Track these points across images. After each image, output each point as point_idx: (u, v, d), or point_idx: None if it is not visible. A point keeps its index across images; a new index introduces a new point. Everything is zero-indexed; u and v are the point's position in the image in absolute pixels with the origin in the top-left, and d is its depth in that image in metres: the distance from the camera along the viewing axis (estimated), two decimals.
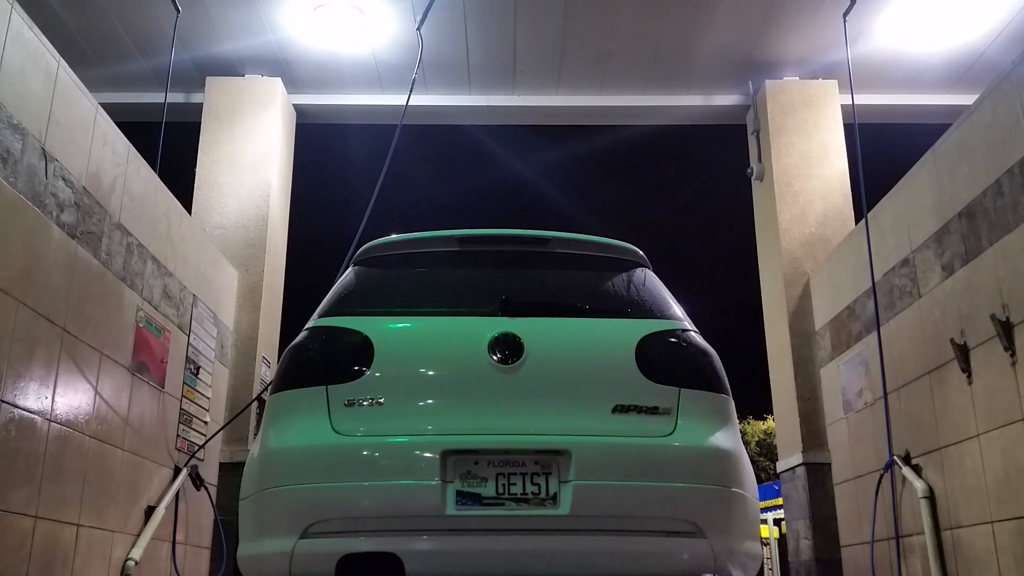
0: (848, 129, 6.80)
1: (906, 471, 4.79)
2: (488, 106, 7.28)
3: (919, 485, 4.62)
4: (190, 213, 6.07)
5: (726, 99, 7.29)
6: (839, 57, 6.49)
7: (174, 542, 4.98)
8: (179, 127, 6.86)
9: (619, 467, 2.70)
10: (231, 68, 6.85)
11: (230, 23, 6.34)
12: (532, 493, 2.65)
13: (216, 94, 6.88)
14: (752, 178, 7.13)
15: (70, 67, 3.93)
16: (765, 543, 19.53)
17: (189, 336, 5.26)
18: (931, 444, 4.63)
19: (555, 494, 2.64)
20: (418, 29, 6.17)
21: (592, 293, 3.28)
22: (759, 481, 4.01)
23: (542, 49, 6.66)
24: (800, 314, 6.40)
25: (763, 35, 6.52)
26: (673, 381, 2.88)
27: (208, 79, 6.89)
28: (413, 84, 6.18)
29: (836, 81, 6.95)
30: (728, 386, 3.03)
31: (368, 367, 2.84)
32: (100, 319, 4.13)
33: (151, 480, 4.71)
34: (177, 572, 4.96)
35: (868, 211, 5.45)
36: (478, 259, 3.33)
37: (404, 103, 6.03)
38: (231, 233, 6.51)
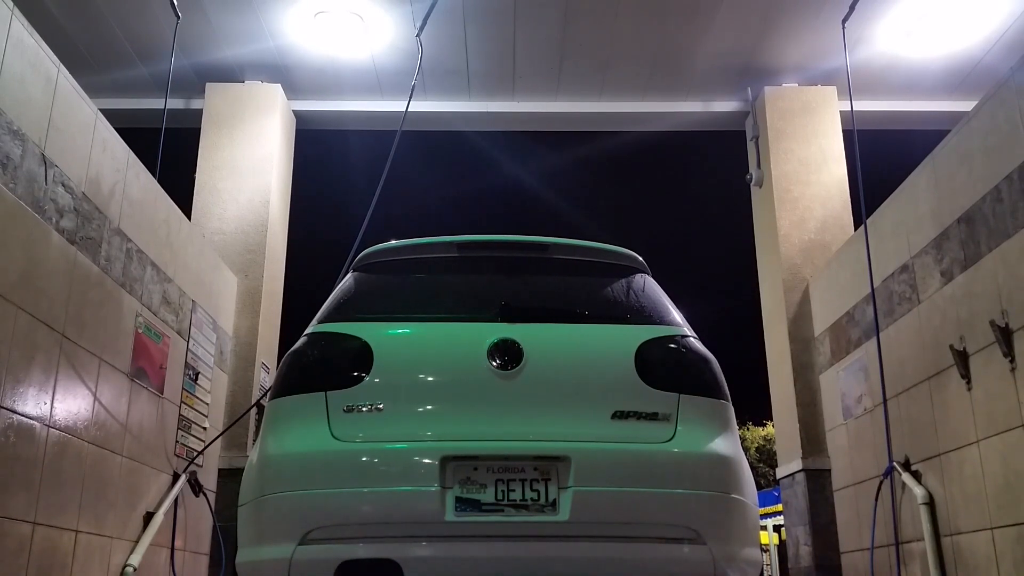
0: (847, 135, 6.80)
1: (906, 477, 4.78)
2: (488, 112, 7.28)
3: (919, 491, 4.61)
4: (190, 219, 6.07)
5: (725, 105, 7.29)
6: (838, 63, 6.50)
7: (173, 548, 4.97)
8: (179, 133, 6.86)
9: (618, 473, 2.69)
10: (231, 74, 6.86)
11: (230, 29, 6.35)
12: (531, 499, 2.64)
13: (216, 100, 6.88)
14: (751, 184, 7.14)
15: (70, 73, 3.93)
16: (765, 549, 19.49)
17: (188, 342, 5.26)
18: (931, 450, 4.62)
19: (554, 500, 2.64)
20: (418, 36, 6.18)
21: (591, 299, 3.28)
22: (759, 487, 4.00)
23: (542, 55, 6.67)
24: (799, 320, 6.39)
25: (762, 41, 6.53)
26: (672, 387, 2.88)
27: (208, 85, 6.90)
28: (413, 90, 6.19)
29: (835, 87, 6.96)
30: (727, 392, 3.02)
31: (367, 373, 2.84)
32: (99, 325, 4.13)
33: (150, 486, 4.71)
34: None
35: (867, 217, 5.46)
36: (477, 265, 3.33)
37: (404, 109, 6.04)
38: (231, 239, 6.52)
